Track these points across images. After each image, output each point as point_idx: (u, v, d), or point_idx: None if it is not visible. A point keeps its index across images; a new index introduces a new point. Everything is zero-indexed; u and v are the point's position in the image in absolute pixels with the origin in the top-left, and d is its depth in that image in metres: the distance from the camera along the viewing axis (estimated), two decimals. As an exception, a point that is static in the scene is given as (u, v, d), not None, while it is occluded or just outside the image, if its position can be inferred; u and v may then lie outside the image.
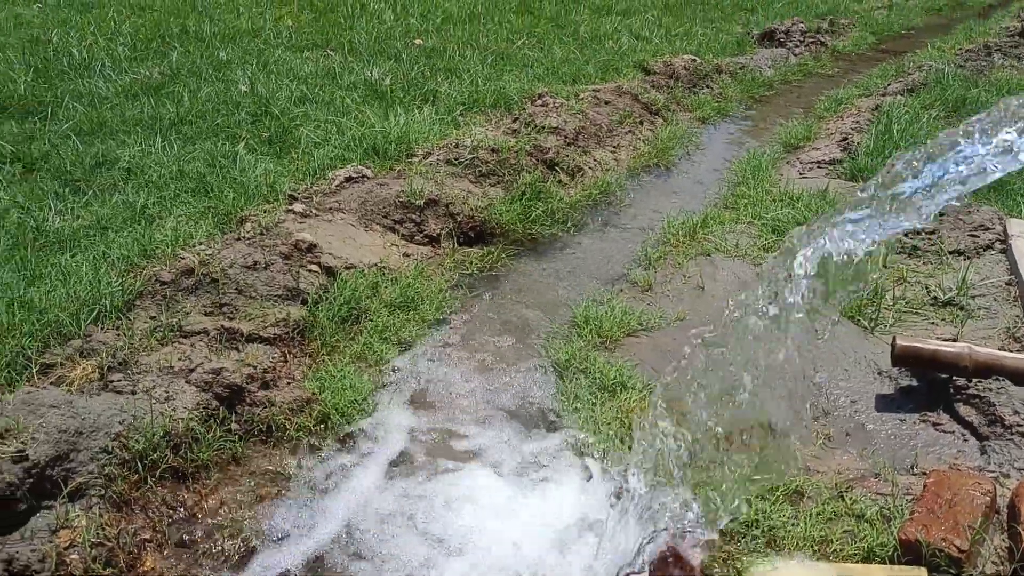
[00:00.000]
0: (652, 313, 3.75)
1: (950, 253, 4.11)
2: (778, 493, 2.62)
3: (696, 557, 2.43)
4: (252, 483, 2.71)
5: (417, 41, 7.53)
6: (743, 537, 2.49)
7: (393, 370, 3.32)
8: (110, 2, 8.52)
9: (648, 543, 2.38)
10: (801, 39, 9.71)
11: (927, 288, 3.83)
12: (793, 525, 2.50)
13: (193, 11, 8.27)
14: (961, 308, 3.63)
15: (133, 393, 2.73)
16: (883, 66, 8.92)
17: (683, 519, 2.46)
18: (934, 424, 2.97)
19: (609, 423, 2.98)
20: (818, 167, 5.63)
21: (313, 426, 2.94)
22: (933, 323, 3.58)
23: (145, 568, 2.35)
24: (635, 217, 4.96)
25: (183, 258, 3.46)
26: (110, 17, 7.71)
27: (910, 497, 2.56)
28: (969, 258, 4.04)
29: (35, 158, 4.51)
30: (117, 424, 2.57)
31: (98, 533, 2.34)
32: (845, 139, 6.04)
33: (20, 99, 5.29)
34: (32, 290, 3.17)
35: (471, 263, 4.21)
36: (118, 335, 3.03)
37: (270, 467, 2.78)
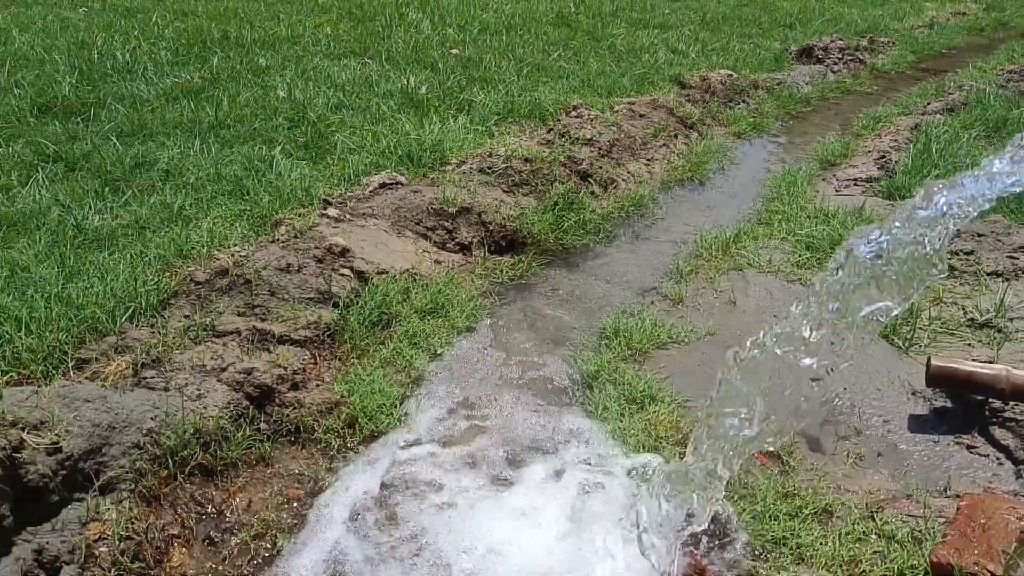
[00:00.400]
0: (683, 327, 3.73)
1: (988, 274, 4.04)
2: (807, 511, 2.59)
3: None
4: (279, 483, 2.73)
5: (454, 51, 7.58)
6: (770, 554, 2.47)
7: (422, 376, 3.33)
8: (154, 7, 8.67)
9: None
10: (840, 56, 9.63)
11: (964, 309, 3.77)
12: (822, 544, 2.48)
13: (234, 17, 8.38)
14: (999, 330, 3.57)
15: (166, 390, 2.77)
16: (923, 85, 8.82)
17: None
18: (968, 447, 2.92)
19: (637, 434, 2.97)
20: (855, 184, 5.57)
21: (341, 429, 2.95)
22: (969, 345, 3.52)
23: (172, 563, 2.37)
24: (667, 230, 4.94)
25: (218, 259, 3.50)
26: (153, 22, 7.84)
27: (942, 520, 2.52)
28: (1008, 280, 3.97)
29: (77, 158, 4.58)
30: (149, 420, 2.60)
31: (127, 527, 2.37)
32: (883, 157, 5.97)
33: (64, 100, 5.39)
34: (70, 286, 3.23)
35: (502, 271, 4.22)
36: (152, 333, 3.08)
37: (297, 468, 2.80)
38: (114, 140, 4.82)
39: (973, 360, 3.20)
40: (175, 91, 5.79)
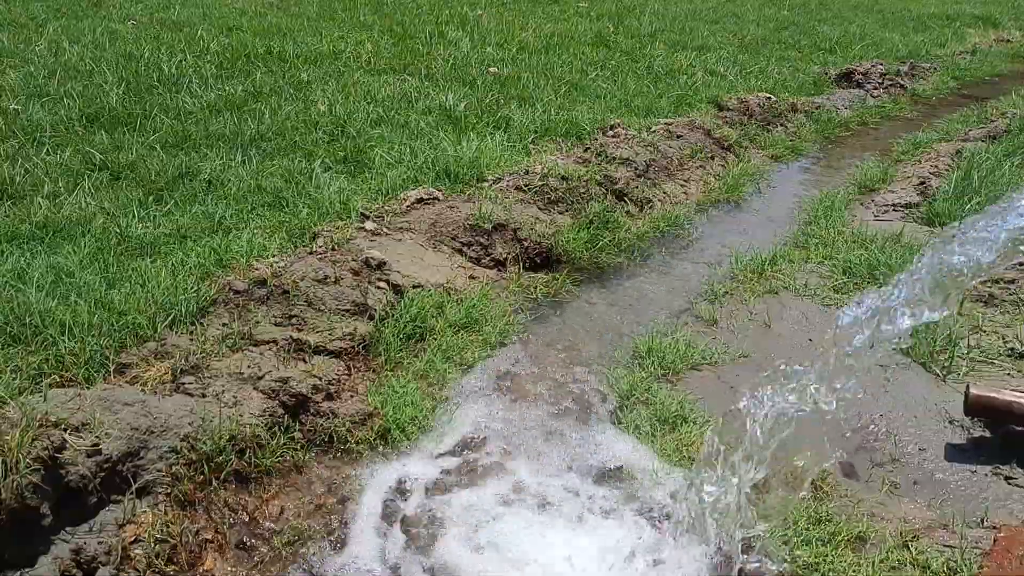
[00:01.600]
0: (716, 348, 3.71)
1: (1030, 304, 3.98)
2: (840, 538, 2.56)
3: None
4: (312, 491, 2.75)
5: (492, 69, 7.64)
6: (802, 580, 2.44)
7: (455, 390, 3.34)
8: (200, 22, 8.85)
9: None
10: (880, 81, 9.56)
11: (1004, 338, 3.72)
12: (855, 571, 2.45)
13: (278, 33, 8.53)
14: (1040, 361, 3.52)
15: (203, 396, 2.81)
16: (964, 112, 8.72)
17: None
18: (1007, 478, 2.87)
19: (669, 455, 2.96)
20: (893, 210, 5.52)
21: (374, 440, 2.98)
22: (1009, 374, 3.47)
23: (206, 567, 2.40)
24: (702, 251, 4.93)
25: (256, 269, 3.56)
26: (199, 36, 8.00)
27: (979, 551, 2.48)
28: (1050, 310, 3.91)
29: (122, 167, 4.68)
30: (187, 425, 2.64)
31: (163, 530, 2.41)
32: (923, 183, 5.91)
33: (111, 110, 5.52)
34: (113, 292, 3.30)
35: (536, 288, 4.23)
36: (191, 340, 3.13)
37: (330, 477, 2.83)
38: (159, 150, 4.92)
39: (1013, 390, 3.15)
40: (219, 104, 5.90)
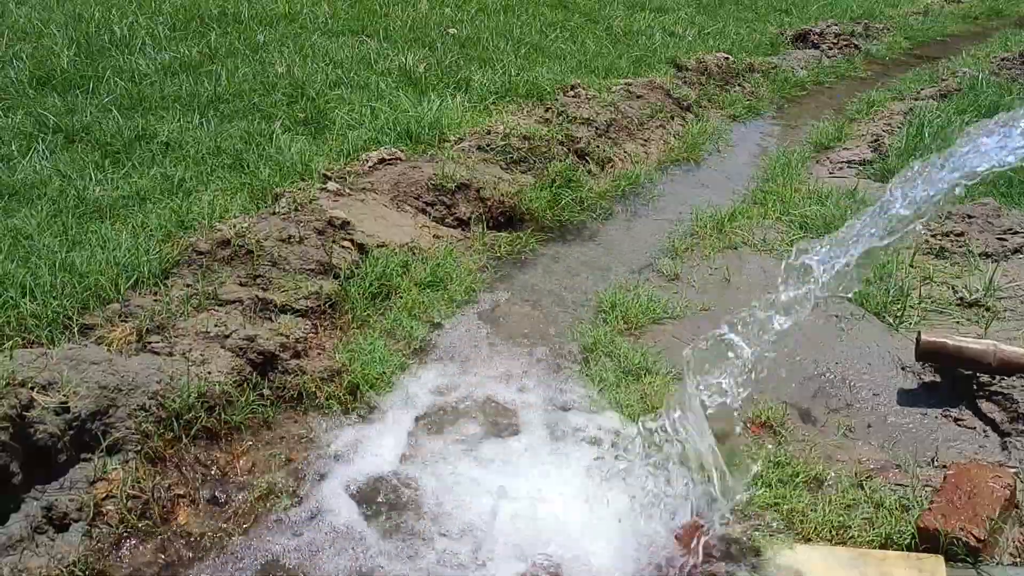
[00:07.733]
0: (678, 302, 3.79)
1: (978, 255, 4.10)
2: (798, 479, 2.65)
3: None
4: (282, 446, 2.78)
5: (451, 30, 7.58)
6: (761, 519, 2.53)
7: (421, 346, 3.37)
8: (150, -18, 8.63)
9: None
10: (835, 41, 9.66)
11: (953, 289, 3.84)
12: (812, 510, 2.54)
13: (231, -7, 8.36)
14: (987, 309, 3.64)
15: (170, 355, 2.81)
16: (917, 71, 8.87)
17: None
18: (956, 419, 2.99)
19: (632, 405, 3.02)
20: (848, 167, 5.63)
21: (343, 395, 3.01)
22: (958, 322, 3.59)
23: (178, 522, 2.43)
24: (663, 209, 4.99)
25: (219, 230, 3.54)
26: (150, -4, 7.82)
27: (930, 488, 2.59)
28: (997, 261, 4.04)
29: (76, 129, 4.59)
30: (155, 383, 2.65)
31: (134, 486, 2.42)
32: (876, 140, 6.03)
33: (63, 72, 5.39)
34: (73, 255, 3.26)
35: (500, 247, 4.26)
36: (156, 300, 3.12)
37: (300, 432, 2.86)
38: (114, 112, 4.83)
39: (962, 336, 3.27)
40: (173, 66, 5.78)
